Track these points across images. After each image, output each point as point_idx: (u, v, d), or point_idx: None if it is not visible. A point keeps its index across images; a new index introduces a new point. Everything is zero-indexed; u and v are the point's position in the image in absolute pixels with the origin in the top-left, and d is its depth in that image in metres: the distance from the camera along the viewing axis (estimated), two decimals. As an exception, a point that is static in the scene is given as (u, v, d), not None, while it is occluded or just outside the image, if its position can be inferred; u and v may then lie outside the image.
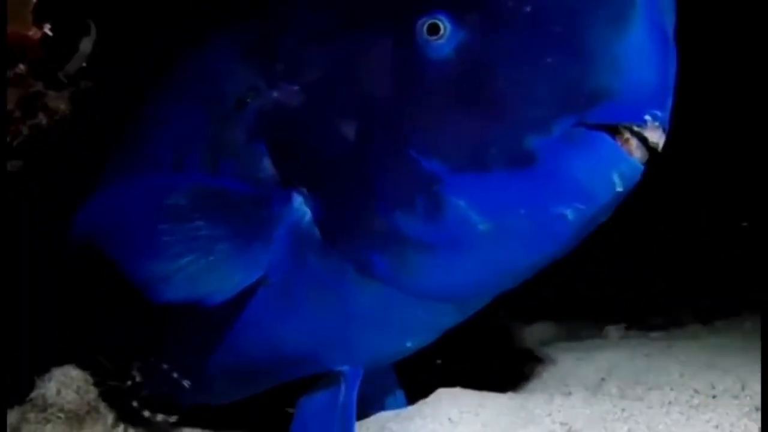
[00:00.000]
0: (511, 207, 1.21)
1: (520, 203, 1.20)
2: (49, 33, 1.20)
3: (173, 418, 1.63)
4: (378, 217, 1.27)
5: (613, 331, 2.15)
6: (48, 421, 1.63)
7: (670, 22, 1.17)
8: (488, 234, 1.23)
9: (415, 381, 1.66)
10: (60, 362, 1.67)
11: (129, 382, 1.60)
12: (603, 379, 1.73)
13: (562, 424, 1.35)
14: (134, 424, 1.72)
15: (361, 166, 1.28)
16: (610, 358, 1.86)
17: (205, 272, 1.32)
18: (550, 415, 1.38)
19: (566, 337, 2.34)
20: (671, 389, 1.57)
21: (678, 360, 1.79)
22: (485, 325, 1.67)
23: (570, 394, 1.55)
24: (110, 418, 1.70)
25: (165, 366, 1.56)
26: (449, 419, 1.39)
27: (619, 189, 1.20)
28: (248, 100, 1.37)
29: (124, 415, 1.71)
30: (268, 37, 1.37)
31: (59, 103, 1.30)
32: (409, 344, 1.42)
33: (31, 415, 1.64)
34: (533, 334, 2.44)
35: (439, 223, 1.23)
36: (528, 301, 1.76)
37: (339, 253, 1.32)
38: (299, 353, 1.42)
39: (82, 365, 1.66)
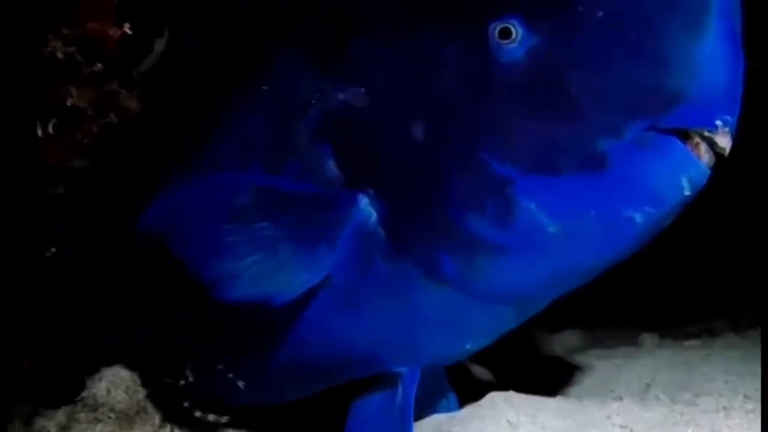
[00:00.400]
0: (581, 210, 1.22)
1: (591, 206, 1.22)
2: (129, 32, 1.21)
3: (224, 419, 1.63)
4: (447, 219, 1.28)
5: (647, 339, 2.16)
6: (99, 420, 1.63)
7: (738, 26, 1.19)
8: (557, 237, 1.24)
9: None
10: (110, 362, 1.66)
11: (182, 382, 1.59)
12: (648, 385, 1.74)
13: (622, 427, 1.36)
14: (180, 425, 1.72)
15: (431, 169, 1.29)
16: (651, 365, 1.88)
17: (270, 272, 1.32)
18: (609, 418, 1.39)
19: (594, 345, 2.35)
20: (720, 395, 1.57)
21: (719, 368, 1.80)
22: (512, 334, 1.67)
23: (621, 398, 1.56)
24: (157, 418, 1.70)
25: (220, 366, 1.55)
26: (508, 421, 1.41)
27: (687, 193, 1.22)
28: (313, 101, 1.38)
29: (170, 416, 1.71)
30: (335, 39, 1.38)
31: (131, 102, 1.31)
32: (468, 346, 1.44)
33: (82, 415, 1.64)
34: (561, 342, 2.45)
35: (509, 226, 1.24)
36: (552, 309, 1.77)
37: (405, 254, 1.33)
38: (359, 354, 1.43)
39: (130, 365, 1.66)
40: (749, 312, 2.19)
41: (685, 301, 2.31)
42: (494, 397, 1.51)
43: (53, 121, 1.27)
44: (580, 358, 2.04)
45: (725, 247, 2.46)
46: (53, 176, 1.35)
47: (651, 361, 1.90)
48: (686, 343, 2.13)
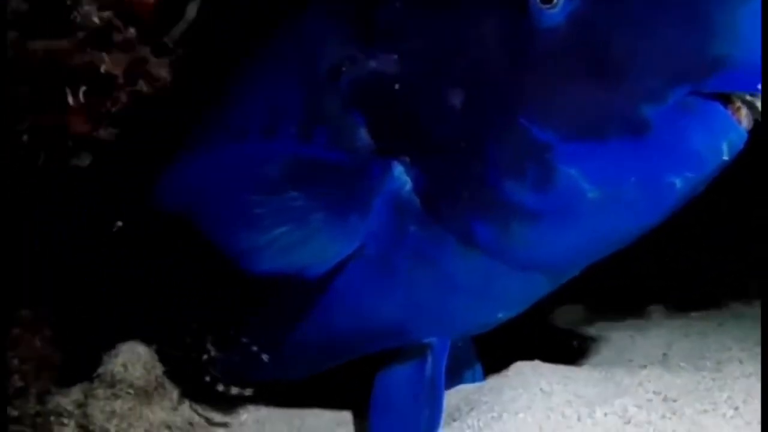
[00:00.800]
0: (621, 175, 1.22)
1: (631, 172, 1.22)
2: (165, -2, 1.18)
3: (248, 392, 1.61)
4: (485, 186, 1.27)
5: (654, 311, 2.17)
6: (117, 396, 1.62)
7: None
8: (597, 202, 1.24)
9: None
10: (126, 338, 1.63)
11: (204, 356, 1.57)
12: (665, 354, 1.74)
13: (656, 393, 1.35)
14: (198, 400, 1.71)
15: (469, 135, 1.27)
16: (664, 335, 1.88)
17: (301, 244, 1.30)
18: (640, 385, 1.39)
19: (599, 318, 2.34)
20: (741, 362, 1.58)
21: (733, 336, 1.81)
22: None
23: (645, 366, 1.56)
24: (176, 393, 1.69)
25: (245, 339, 1.53)
26: (541, 390, 1.40)
27: (725, 158, 1.22)
28: (345, 68, 1.36)
29: (188, 392, 1.69)
30: (367, 4, 1.36)
31: (161, 70, 1.28)
32: (500, 315, 1.43)
33: (100, 391, 1.62)
34: (563, 316, 2.44)
35: (548, 192, 1.24)
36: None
37: (440, 222, 1.32)
38: (390, 325, 1.42)
39: (149, 341, 1.63)
40: (753, 281, 2.19)
41: (687, 272, 2.31)
42: (521, 367, 1.50)
43: (83, 88, 1.24)
44: (592, 330, 2.04)
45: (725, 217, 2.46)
46: (79, 146, 1.33)
47: (664, 332, 1.90)
48: (693, 314, 2.14)
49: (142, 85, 1.29)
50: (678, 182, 1.22)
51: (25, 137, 1.27)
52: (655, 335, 1.90)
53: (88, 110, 1.27)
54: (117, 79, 1.25)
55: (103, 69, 1.21)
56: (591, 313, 2.45)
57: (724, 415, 1.24)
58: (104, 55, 1.21)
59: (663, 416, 1.25)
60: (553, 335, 2.13)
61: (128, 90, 1.29)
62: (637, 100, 1.19)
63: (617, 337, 1.92)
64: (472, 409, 1.42)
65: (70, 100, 1.23)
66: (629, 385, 1.41)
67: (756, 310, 2.11)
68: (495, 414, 1.34)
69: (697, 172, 1.22)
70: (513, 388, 1.42)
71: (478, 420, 1.34)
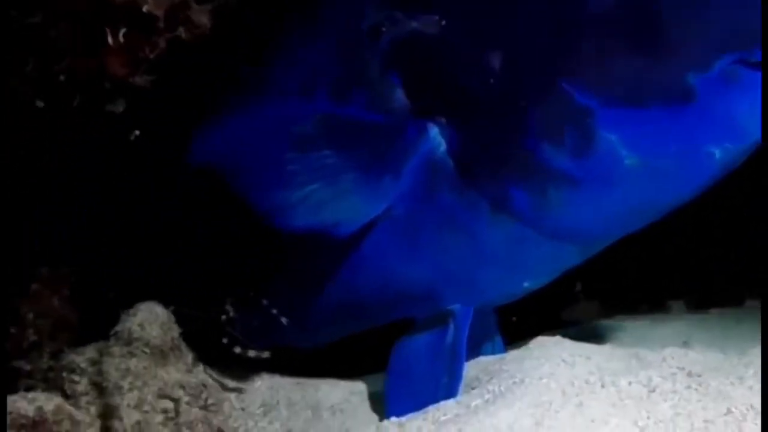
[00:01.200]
0: (662, 144, 1.22)
1: (672, 140, 1.22)
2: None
3: (265, 354, 1.60)
4: (523, 150, 1.27)
5: (674, 305, 2.16)
6: (133, 355, 1.57)
7: None
8: (635, 170, 1.24)
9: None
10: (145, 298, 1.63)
11: (224, 317, 1.56)
12: (686, 342, 1.72)
13: (679, 368, 1.32)
14: (212, 365, 1.69)
15: (508, 98, 1.27)
16: (684, 326, 1.88)
17: (331, 201, 1.32)
18: (664, 360, 1.38)
19: (617, 312, 2.33)
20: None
21: (753, 328, 1.77)
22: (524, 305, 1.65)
23: (667, 347, 1.54)
24: (190, 356, 1.66)
25: (266, 301, 1.52)
26: (563, 360, 1.38)
27: None
28: (383, 28, 1.36)
29: (204, 355, 1.67)
30: None
31: (202, 17, 1.28)
32: (526, 284, 1.43)
33: (116, 349, 1.59)
34: (581, 311, 2.42)
35: (587, 158, 1.23)
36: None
37: (475, 186, 1.32)
38: (416, 290, 1.42)
39: (165, 301, 1.62)
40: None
41: (707, 269, 2.29)
42: (543, 341, 1.49)
43: (123, 30, 1.23)
44: (609, 322, 2.02)
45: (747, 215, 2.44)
46: (115, 91, 1.32)
47: (684, 323, 1.90)
48: (713, 310, 2.13)
49: (182, 32, 1.27)
50: (718, 153, 1.21)
51: (62, 77, 1.26)
52: (675, 325, 1.90)
53: (126, 53, 1.25)
54: (157, 22, 1.24)
55: (145, 9, 1.19)
56: (608, 308, 2.44)
57: (751, 387, 1.22)
58: (147, -7, 1.20)
59: (688, 387, 1.23)
60: (569, 325, 2.12)
61: (167, 36, 1.27)
62: (682, 67, 1.19)
63: (637, 326, 1.91)
64: (491, 378, 1.40)
65: (110, 40, 1.22)
66: (653, 361, 1.39)
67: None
68: (516, 380, 1.32)
69: (738, 143, 1.21)
70: (534, 359, 1.41)
71: (499, 386, 1.33)
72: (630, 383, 1.26)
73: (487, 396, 1.32)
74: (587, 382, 1.27)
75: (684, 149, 1.21)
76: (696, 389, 1.23)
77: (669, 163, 1.22)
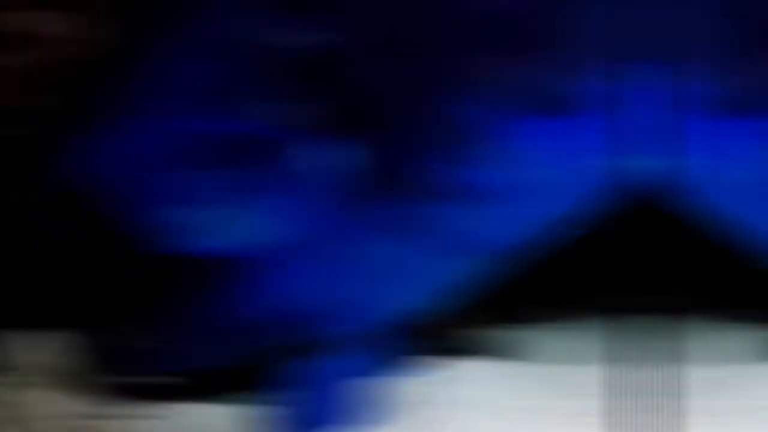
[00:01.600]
0: (555, 155, 1.25)
1: (562, 151, 1.25)
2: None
3: (175, 381, 1.50)
4: (419, 165, 1.29)
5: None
6: (36, 384, 1.54)
7: None
8: (533, 184, 1.26)
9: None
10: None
11: (129, 346, 1.50)
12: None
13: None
14: (120, 392, 1.56)
15: (403, 114, 1.30)
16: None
17: (225, 221, 1.33)
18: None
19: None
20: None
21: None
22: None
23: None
24: (81, 385, 1.58)
25: (167, 326, 1.45)
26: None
27: None
28: (280, 42, 1.34)
29: (112, 382, 1.57)
30: None
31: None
32: (426, 302, 1.38)
33: (18, 379, 1.54)
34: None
35: (495, 172, 1.26)
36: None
37: (370, 203, 1.33)
38: (314, 308, 1.38)
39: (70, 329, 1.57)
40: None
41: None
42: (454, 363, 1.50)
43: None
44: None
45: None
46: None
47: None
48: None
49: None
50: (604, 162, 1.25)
51: None
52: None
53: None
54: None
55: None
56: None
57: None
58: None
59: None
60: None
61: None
62: (565, 77, 1.24)
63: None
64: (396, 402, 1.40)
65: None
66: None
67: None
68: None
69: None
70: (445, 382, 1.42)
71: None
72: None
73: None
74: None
75: (575, 160, 1.26)
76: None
77: (558, 174, 1.26)
